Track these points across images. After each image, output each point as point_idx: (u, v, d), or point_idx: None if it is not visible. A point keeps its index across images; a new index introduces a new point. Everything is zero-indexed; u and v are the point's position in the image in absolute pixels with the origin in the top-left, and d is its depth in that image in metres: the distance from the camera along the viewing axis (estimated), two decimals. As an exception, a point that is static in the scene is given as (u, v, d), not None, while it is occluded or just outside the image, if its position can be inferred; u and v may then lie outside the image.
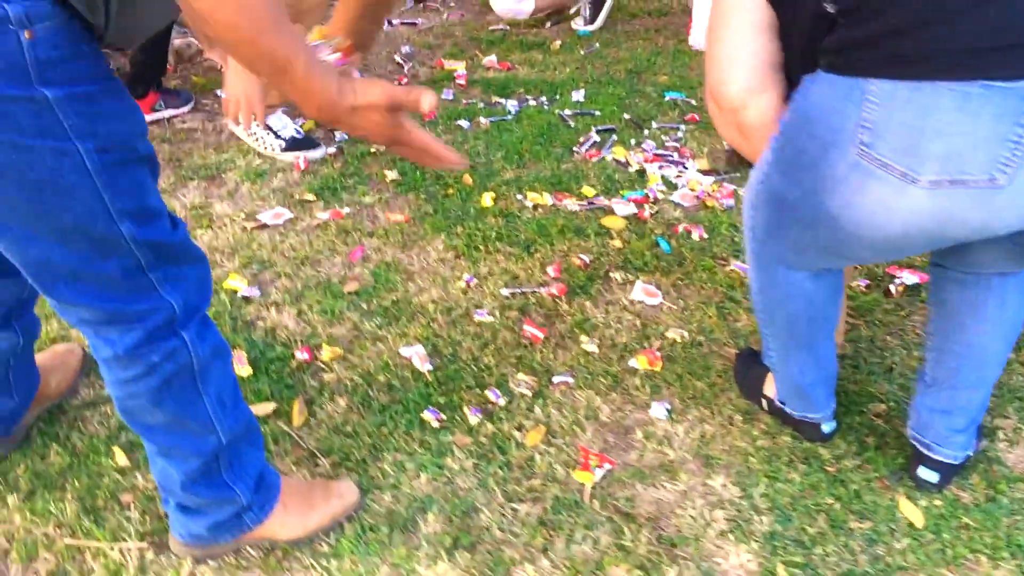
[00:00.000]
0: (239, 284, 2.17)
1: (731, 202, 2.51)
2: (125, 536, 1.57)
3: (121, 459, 1.71)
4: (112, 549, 1.54)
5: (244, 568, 1.51)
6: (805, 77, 1.32)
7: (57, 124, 1.07)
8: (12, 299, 1.56)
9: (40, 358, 1.80)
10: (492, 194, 2.52)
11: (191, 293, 1.31)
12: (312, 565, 1.52)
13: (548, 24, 3.77)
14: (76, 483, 1.66)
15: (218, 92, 3.13)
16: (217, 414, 1.39)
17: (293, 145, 2.68)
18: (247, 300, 2.14)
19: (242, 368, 1.91)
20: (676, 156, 2.74)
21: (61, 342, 1.96)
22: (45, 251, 1.17)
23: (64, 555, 1.53)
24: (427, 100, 1.04)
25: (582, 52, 3.49)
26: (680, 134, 2.88)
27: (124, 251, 1.20)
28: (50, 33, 1.03)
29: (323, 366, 1.94)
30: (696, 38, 3.47)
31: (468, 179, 2.60)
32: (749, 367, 1.88)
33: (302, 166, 2.66)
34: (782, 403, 1.74)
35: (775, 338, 1.64)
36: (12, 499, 1.63)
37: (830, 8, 1.26)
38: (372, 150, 2.75)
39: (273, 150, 2.71)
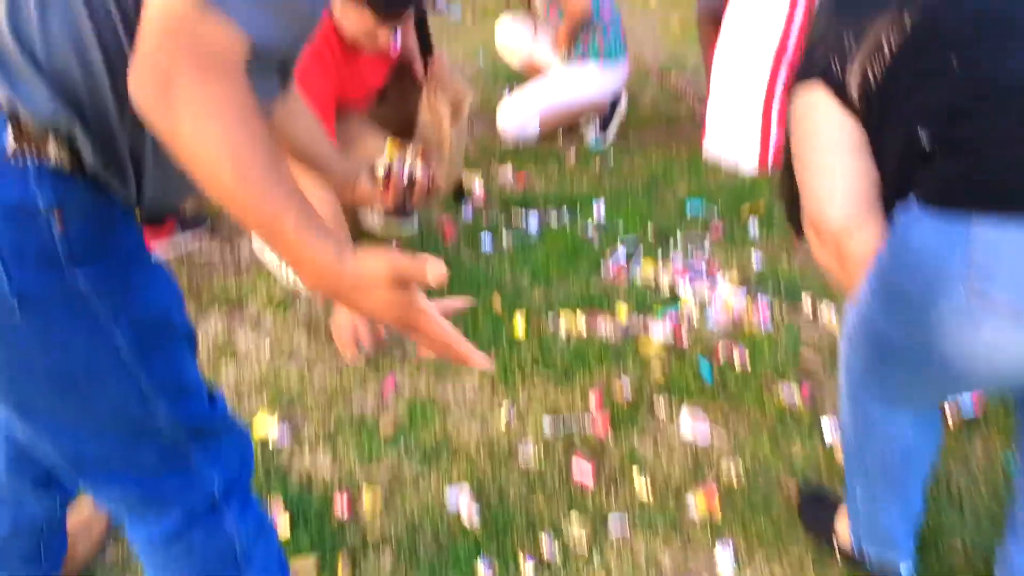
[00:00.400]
0: (269, 422, 2.08)
1: (768, 322, 2.46)
2: None
3: (157, 630, 1.59)
4: None
5: None
6: (900, 212, 1.26)
7: (88, 310, 1.01)
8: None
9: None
10: (523, 318, 2.46)
11: (231, 469, 1.22)
12: None
13: (560, 132, 3.77)
14: (109, 660, 1.55)
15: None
16: None
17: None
18: (278, 442, 2.04)
19: (280, 516, 1.81)
20: (705, 270, 2.70)
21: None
22: (75, 442, 1.10)
23: None
24: (433, 271, 0.88)
25: (598, 163, 3.48)
26: (706, 246, 2.84)
27: (160, 434, 1.13)
28: (81, 213, 0.98)
29: (365, 514, 1.84)
30: (710, 147, 3.46)
31: (497, 302, 2.54)
32: (815, 503, 1.80)
33: (325, 291, 2.59)
34: (858, 544, 1.65)
35: (865, 481, 1.56)
36: None
37: (924, 142, 1.22)
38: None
39: (296, 283, 2.65)
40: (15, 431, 1.22)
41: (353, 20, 2.29)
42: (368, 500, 1.87)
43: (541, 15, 3.70)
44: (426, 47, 2.70)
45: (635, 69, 4.47)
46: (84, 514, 1.77)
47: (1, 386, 1.04)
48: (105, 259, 1.02)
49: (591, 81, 3.57)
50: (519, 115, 3.55)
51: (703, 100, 3.90)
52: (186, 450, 1.15)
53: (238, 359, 2.33)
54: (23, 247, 0.95)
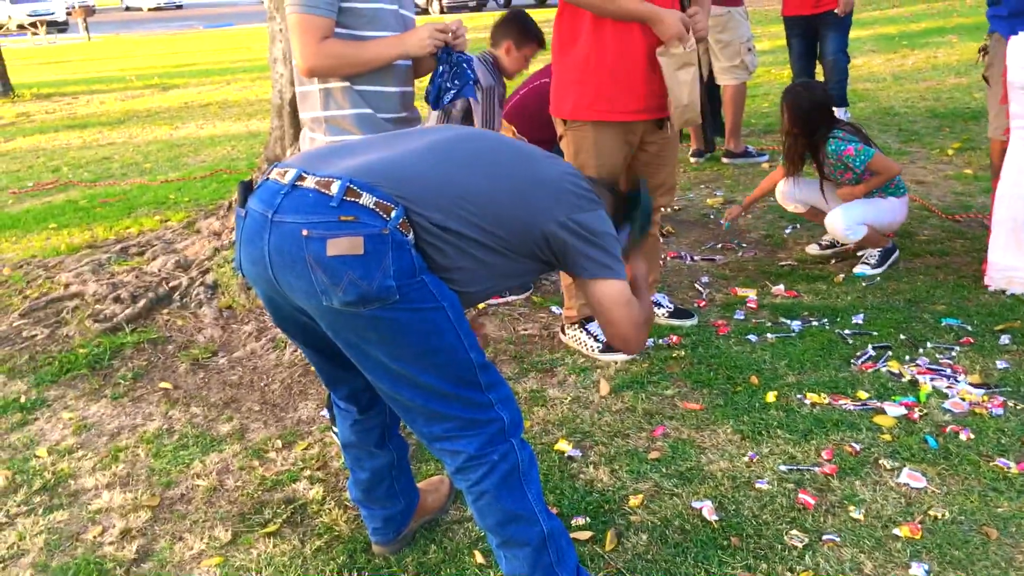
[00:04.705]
0: (565, 447, 2.76)
1: (1001, 411, 2.76)
2: (481, 608, 2.11)
3: (479, 559, 2.29)
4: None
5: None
6: None
7: (430, 294, 1.75)
8: (381, 427, 2.22)
9: (420, 484, 2.48)
10: (775, 392, 2.97)
11: (513, 411, 1.91)
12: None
13: (833, 261, 4.25)
14: (447, 571, 2.25)
15: (553, 308, 3.90)
16: (539, 507, 1.93)
17: (609, 348, 3.33)
18: (571, 459, 2.71)
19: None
20: (949, 372, 3.04)
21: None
22: (430, 380, 1.80)
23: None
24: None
25: (863, 284, 3.92)
26: (954, 354, 3.18)
27: (472, 376, 1.83)
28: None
29: (630, 510, 2.44)
30: (995, 278, 3.72)
31: (755, 379, 3.08)
32: None
33: (618, 362, 3.28)
34: None
35: None
36: (404, 576, 2.25)
37: None
38: (673, 355, 3.33)
39: (592, 351, 3.37)
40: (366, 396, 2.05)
41: None
42: (632, 501, 2.46)
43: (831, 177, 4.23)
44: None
45: (919, 210, 4.86)
46: (432, 480, 2.54)
47: (378, 360, 1.77)
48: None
49: (895, 210, 4.07)
50: (851, 219, 4.02)
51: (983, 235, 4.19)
52: (487, 392, 1.86)
53: (547, 407, 3.06)
54: (401, 265, 1.71)
